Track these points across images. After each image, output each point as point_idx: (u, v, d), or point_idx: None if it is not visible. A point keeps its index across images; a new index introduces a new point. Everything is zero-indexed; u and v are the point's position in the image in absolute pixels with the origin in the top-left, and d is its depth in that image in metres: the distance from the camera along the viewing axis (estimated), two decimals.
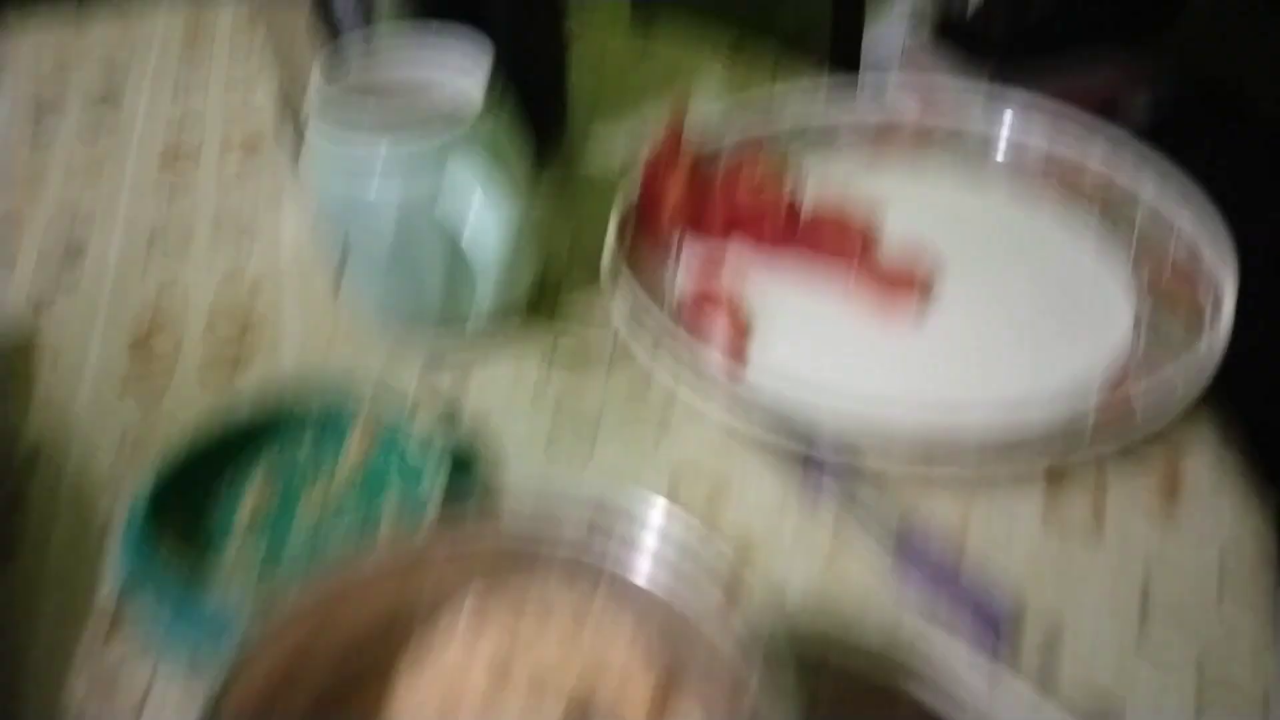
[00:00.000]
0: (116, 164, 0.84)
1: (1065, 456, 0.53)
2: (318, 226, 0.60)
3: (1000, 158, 0.74)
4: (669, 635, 0.37)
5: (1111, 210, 0.68)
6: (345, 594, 0.34)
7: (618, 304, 0.61)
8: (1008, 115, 0.75)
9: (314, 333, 0.65)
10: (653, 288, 0.64)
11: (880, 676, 0.42)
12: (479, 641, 0.36)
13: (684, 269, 0.67)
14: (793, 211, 0.68)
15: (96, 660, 0.47)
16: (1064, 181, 0.71)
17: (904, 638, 0.42)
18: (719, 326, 0.61)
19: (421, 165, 0.55)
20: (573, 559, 0.36)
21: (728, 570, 0.34)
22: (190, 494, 0.52)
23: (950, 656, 0.42)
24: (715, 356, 0.59)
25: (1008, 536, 0.50)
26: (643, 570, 0.36)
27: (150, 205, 0.79)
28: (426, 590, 0.37)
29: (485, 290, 0.55)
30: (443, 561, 0.37)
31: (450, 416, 0.58)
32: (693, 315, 0.63)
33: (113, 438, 0.59)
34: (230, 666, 0.29)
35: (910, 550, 0.49)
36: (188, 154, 0.84)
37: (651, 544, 0.35)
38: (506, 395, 0.60)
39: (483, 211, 0.54)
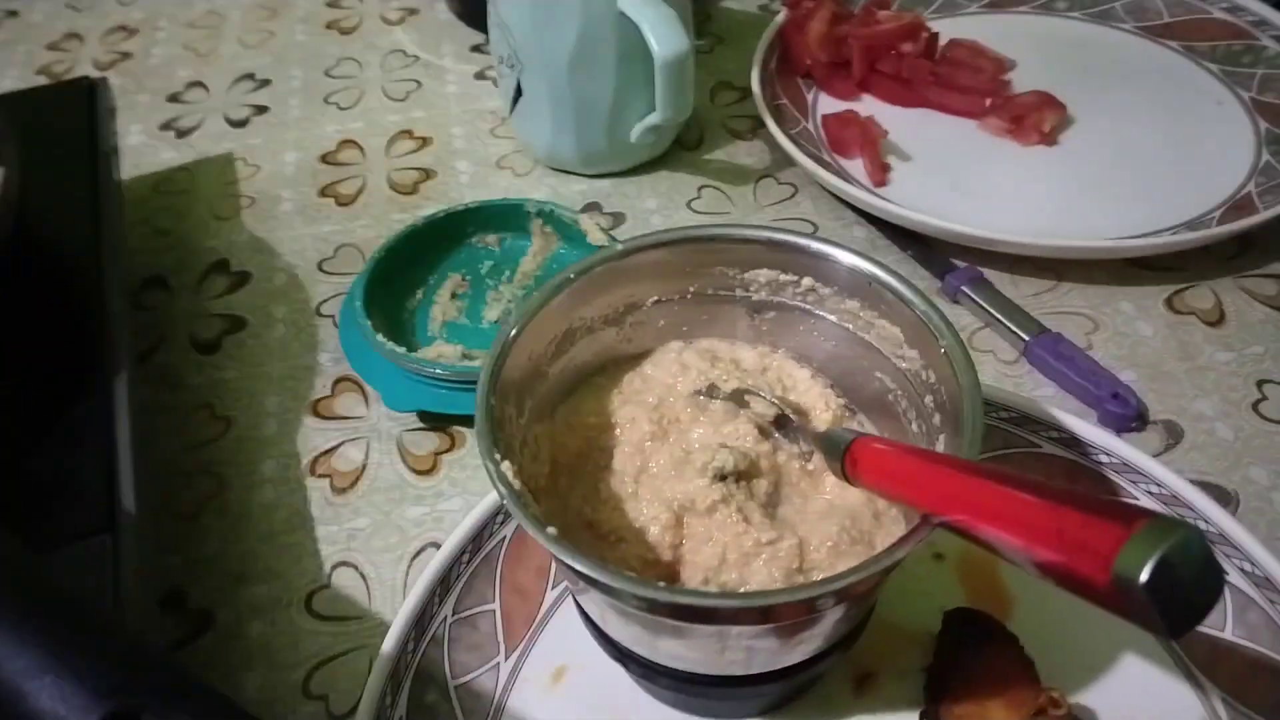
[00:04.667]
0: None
1: (1185, 279, 0.58)
2: (494, 47, 0.65)
3: (1124, 7, 0.76)
4: (844, 379, 0.42)
5: (1232, 60, 0.71)
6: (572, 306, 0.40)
7: (769, 124, 0.65)
8: None
9: (482, 169, 0.71)
10: (798, 113, 0.69)
11: (1022, 437, 0.47)
12: (681, 378, 0.42)
13: (824, 101, 0.71)
14: (930, 43, 0.71)
15: (324, 408, 0.55)
16: (1186, 33, 0.74)
17: (1042, 408, 0.47)
18: (859, 147, 0.66)
19: None
20: (763, 301, 0.42)
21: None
22: (393, 288, 0.58)
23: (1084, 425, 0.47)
24: (859, 171, 0.64)
25: (1132, 346, 0.55)
26: (827, 312, 0.41)
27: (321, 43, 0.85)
28: (635, 341, 0.43)
29: (663, 92, 0.59)
30: (650, 307, 0.43)
31: (619, 217, 0.65)
32: (835, 138, 0.67)
33: (317, 232, 0.66)
34: (501, 346, 0.36)
35: (1044, 345, 0.54)
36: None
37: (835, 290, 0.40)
38: (666, 204, 0.66)
39: (660, 8, 0.58)
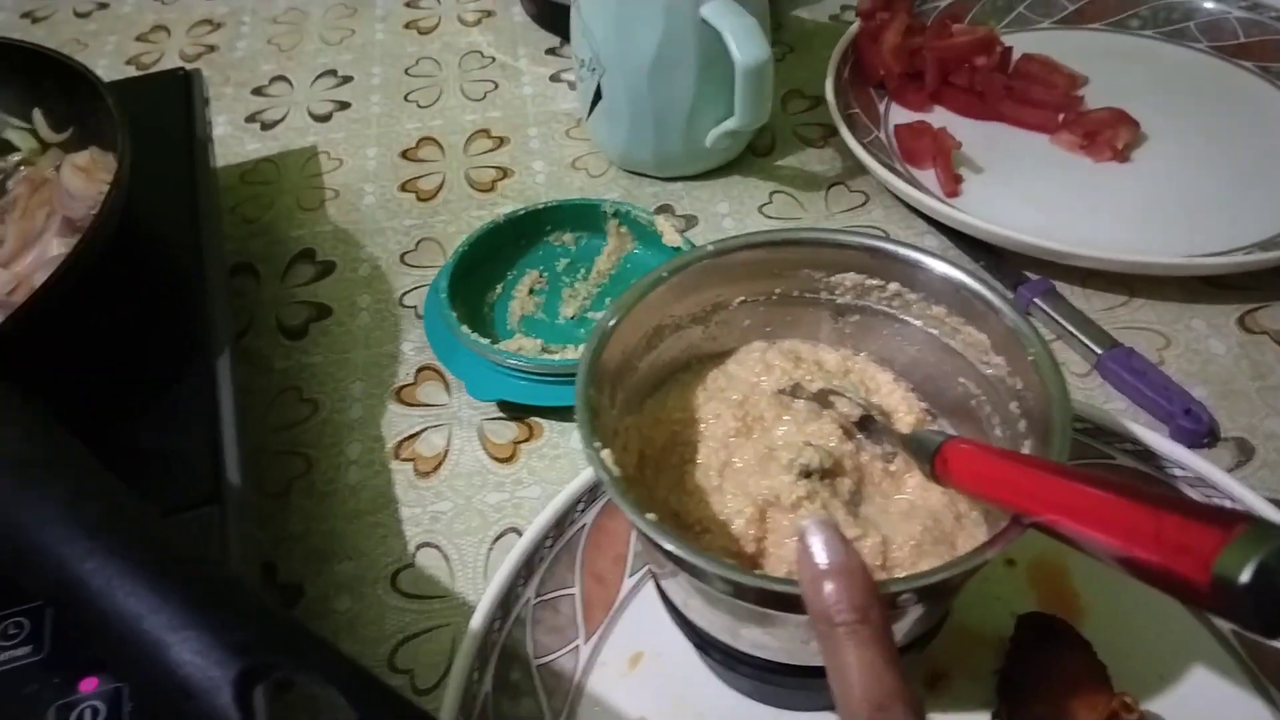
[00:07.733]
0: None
1: (1259, 298, 0.58)
2: (576, 50, 0.67)
3: (1199, 26, 0.76)
4: (926, 384, 0.43)
5: None
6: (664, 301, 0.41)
7: (843, 133, 0.66)
8: None
9: (557, 169, 0.72)
10: (869, 123, 0.70)
11: (1096, 448, 0.47)
12: (765, 378, 0.43)
13: (896, 111, 0.72)
14: (1004, 57, 0.71)
15: (407, 395, 0.56)
16: (1261, 53, 0.74)
17: (1117, 420, 0.47)
18: (931, 157, 0.66)
19: None
20: (847, 304, 0.43)
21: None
22: (474, 281, 0.60)
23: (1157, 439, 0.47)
24: (930, 182, 0.65)
25: (1203, 363, 0.55)
26: (912, 317, 0.42)
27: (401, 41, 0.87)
28: (720, 340, 0.45)
29: (743, 98, 0.60)
30: (735, 307, 0.44)
31: (692, 220, 0.66)
32: (908, 148, 0.67)
33: (398, 226, 0.68)
34: (599, 338, 0.38)
35: (1116, 359, 0.54)
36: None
37: (922, 296, 0.41)
38: (738, 208, 0.67)
39: (743, 17, 0.59)
